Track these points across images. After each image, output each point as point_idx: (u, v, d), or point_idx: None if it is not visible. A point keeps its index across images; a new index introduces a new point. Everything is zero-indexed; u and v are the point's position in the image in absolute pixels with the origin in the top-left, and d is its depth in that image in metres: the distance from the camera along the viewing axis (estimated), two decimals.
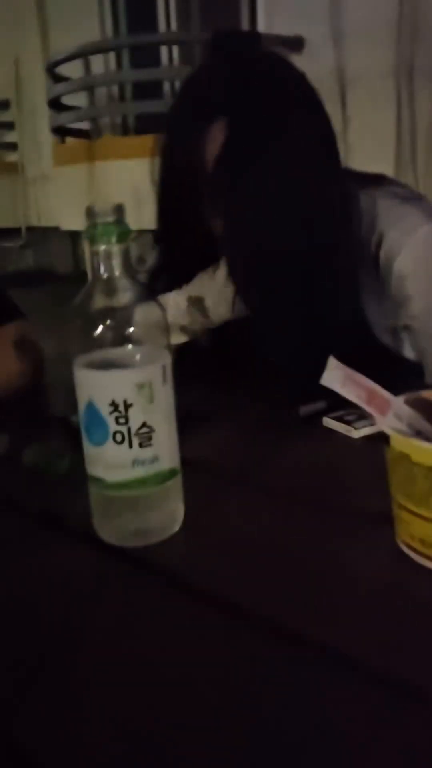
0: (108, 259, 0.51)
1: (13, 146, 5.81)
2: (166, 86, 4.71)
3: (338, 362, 0.49)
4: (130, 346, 0.52)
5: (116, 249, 0.51)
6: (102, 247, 0.51)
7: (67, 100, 4.50)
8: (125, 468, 0.53)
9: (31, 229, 5.66)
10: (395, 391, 0.51)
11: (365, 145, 4.12)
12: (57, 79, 4.50)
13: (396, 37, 3.98)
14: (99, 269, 0.52)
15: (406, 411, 0.50)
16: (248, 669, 0.41)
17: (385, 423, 0.48)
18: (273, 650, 0.42)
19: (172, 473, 0.55)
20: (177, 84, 4.71)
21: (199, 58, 3.70)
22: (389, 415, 0.48)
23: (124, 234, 0.51)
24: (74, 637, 0.45)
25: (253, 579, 0.50)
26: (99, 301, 0.52)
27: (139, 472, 0.53)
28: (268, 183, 0.84)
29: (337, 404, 0.79)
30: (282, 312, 0.89)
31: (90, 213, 0.51)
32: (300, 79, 0.93)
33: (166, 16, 4.77)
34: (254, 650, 0.42)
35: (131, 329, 0.52)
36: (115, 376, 0.51)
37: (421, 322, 0.97)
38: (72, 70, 4.41)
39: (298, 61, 3.40)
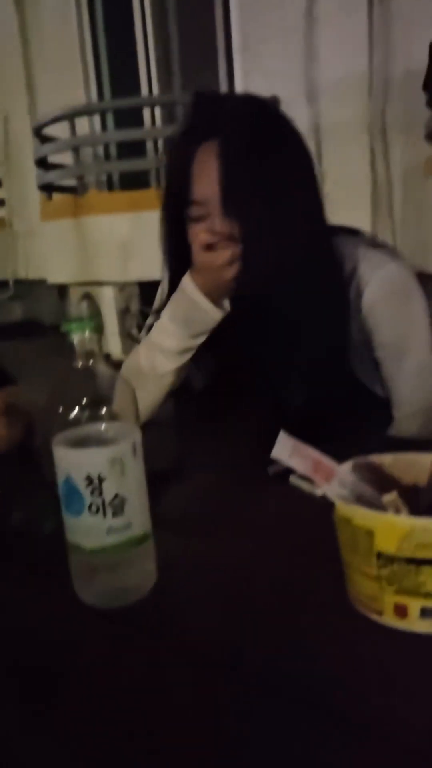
0: (83, 349, 0.58)
1: (1, 202, 5.98)
2: (149, 145, 4.89)
3: (287, 435, 0.55)
4: (103, 425, 0.58)
5: (91, 340, 0.58)
6: (78, 339, 0.58)
7: (53, 158, 4.66)
8: (101, 535, 0.58)
9: (18, 282, 5.77)
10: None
11: (343, 197, 4.25)
12: (44, 139, 4.66)
13: (368, 94, 4.17)
14: (76, 357, 0.58)
15: (350, 478, 0.56)
16: (216, 713, 0.46)
17: (329, 490, 0.54)
18: (237, 696, 0.47)
19: (144, 537, 0.60)
20: (159, 142, 4.90)
21: (180, 118, 3.86)
22: (334, 482, 0.54)
23: (97, 327, 0.58)
24: (53, 688, 0.50)
25: (218, 631, 0.55)
26: (76, 386, 0.58)
27: (113, 539, 0.58)
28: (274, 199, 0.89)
29: None
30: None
31: (68, 312, 0.57)
32: (286, 120, 0.99)
33: (148, 79, 4.99)
34: (223, 697, 0.47)
35: (104, 410, 0.58)
36: (90, 454, 0.57)
37: (387, 351, 1.04)
38: (58, 130, 4.58)
39: None
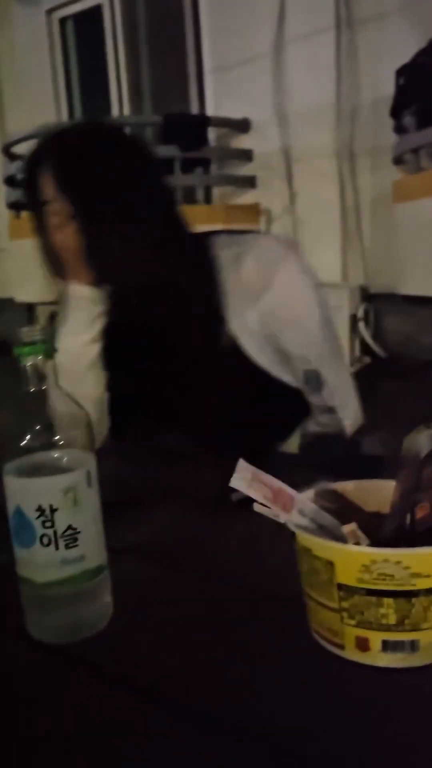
0: (36, 374, 0.56)
1: None
2: None
3: (246, 464, 0.54)
4: (56, 453, 0.56)
5: (43, 364, 0.56)
6: (30, 363, 0.56)
7: (21, 176, 4.63)
8: (53, 568, 0.56)
9: None
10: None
11: (313, 219, 4.34)
12: (12, 157, 4.64)
13: (336, 119, 4.24)
14: (28, 383, 0.56)
15: (310, 507, 0.54)
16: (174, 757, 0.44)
17: (289, 520, 0.52)
18: (195, 739, 0.45)
19: (99, 570, 0.58)
20: None
21: (151, 139, 3.88)
22: (294, 511, 0.53)
23: (49, 351, 0.56)
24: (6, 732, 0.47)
25: (175, 669, 0.53)
26: (28, 411, 0.56)
27: (66, 572, 0.56)
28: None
29: None
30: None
31: (20, 334, 0.55)
32: (126, 140, 1.10)
33: (119, 100, 5.01)
34: (180, 739, 0.45)
35: (57, 437, 0.56)
36: (41, 483, 0.55)
37: (273, 326, 1.05)
38: (27, 149, 4.56)
39: (246, 140, 3.63)
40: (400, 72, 3.61)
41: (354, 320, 4.04)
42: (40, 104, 5.18)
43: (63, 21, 5.26)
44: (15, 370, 0.57)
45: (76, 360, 1.03)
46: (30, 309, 5.21)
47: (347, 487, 0.61)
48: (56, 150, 1.02)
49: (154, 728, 0.47)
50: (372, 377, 3.98)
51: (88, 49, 5.16)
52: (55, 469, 0.56)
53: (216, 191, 4.74)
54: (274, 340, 1.07)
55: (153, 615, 0.61)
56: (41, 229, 1.07)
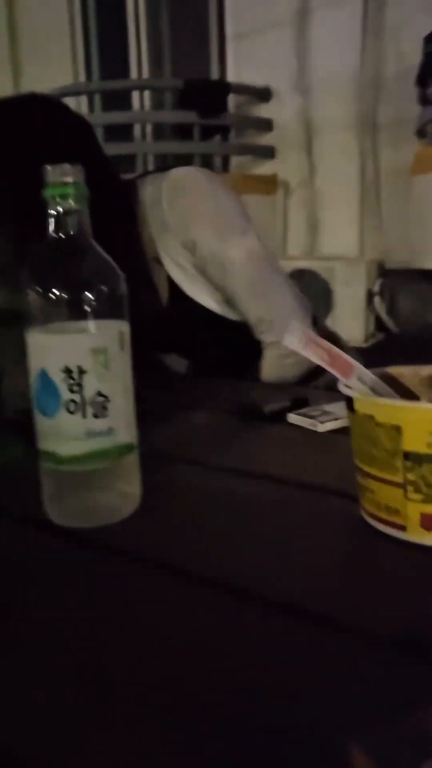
0: (68, 219, 0.50)
1: None
2: (137, 129, 4.81)
3: (299, 324, 0.48)
4: (86, 308, 0.50)
5: (76, 208, 0.50)
6: (59, 208, 0.49)
7: None
8: (78, 440, 0.50)
9: None
10: None
11: (332, 191, 4.26)
12: None
13: (358, 91, 4.14)
14: (58, 229, 0.50)
15: (369, 375, 0.48)
16: (216, 631, 0.38)
17: (348, 384, 0.46)
18: (237, 613, 0.40)
19: (128, 448, 0.52)
20: (148, 127, 4.82)
21: (169, 104, 3.81)
22: (353, 377, 0.47)
23: (81, 195, 0.50)
24: (22, 617, 0.42)
25: (209, 552, 0.47)
26: (56, 264, 0.50)
27: (93, 445, 0.50)
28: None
29: (301, 403, 0.78)
30: None
31: (47, 174, 0.49)
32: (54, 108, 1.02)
33: (138, 62, 4.91)
34: (221, 615, 0.40)
35: (87, 294, 0.50)
36: (69, 340, 0.49)
37: (212, 256, 1.02)
38: None
39: (267, 109, 3.53)
40: (429, 39, 3.51)
41: (370, 295, 3.96)
42: (58, 64, 5.08)
43: None
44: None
45: None
46: None
47: (404, 372, 0.55)
48: None
49: (182, 600, 0.41)
50: (385, 353, 3.92)
51: (107, 8, 5.05)
52: (85, 327, 0.50)
53: (234, 160, 4.65)
54: (205, 274, 1.05)
55: (183, 504, 0.56)
56: None
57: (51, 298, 0.49)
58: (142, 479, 0.55)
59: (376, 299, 3.99)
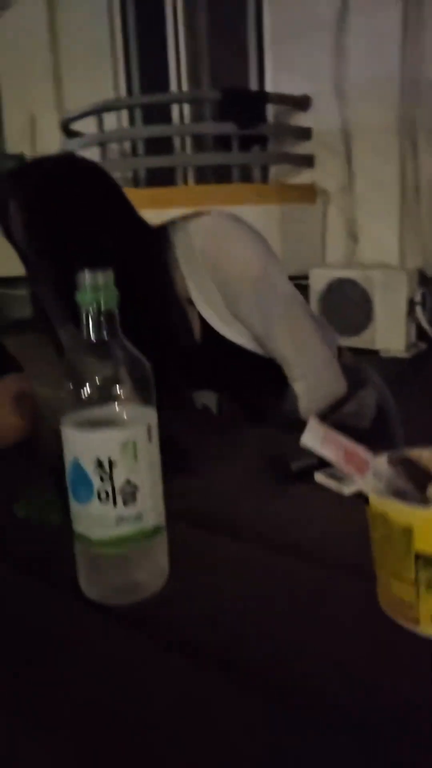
0: (99, 324, 0.53)
1: None
2: (177, 141, 4.86)
3: (318, 421, 0.50)
4: (116, 405, 0.53)
5: (106, 314, 0.53)
6: (92, 312, 0.53)
7: (80, 153, 4.65)
8: (109, 526, 0.53)
9: None
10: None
11: (371, 197, 4.23)
12: (71, 134, 4.65)
13: (398, 95, 4.10)
14: (89, 331, 0.53)
15: (385, 470, 0.50)
16: (230, 719, 0.41)
17: (363, 482, 0.48)
18: (250, 707, 0.42)
19: (156, 531, 0.56)
20: (187, 139, 4.87)
21: (209, 115, 3.84)
22: (368, 474, 0.49)
23: (112, 297, 0.53)
24: (56, 689, 0.45)
25: (231, 636, 0.50)
26: (89, 365, 0.54)
27: (123, 530, 0.53)
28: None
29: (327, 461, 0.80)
30: None
31: (81, 280, 0.53)
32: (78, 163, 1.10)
33: (177, 75, 4.95)
34: (234, 706, 0.42)
35: (118, 388, 0.53)
36: (100, 435, 0.52)
37: (245, 298, 1.06)
38: (85, 125, 4.56)
39: (305, 118, 3.53)
40: None
41: (411, 304, 3.92)
42: (99, 80, 5.17)
43: None
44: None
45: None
46: None
47: (423, 454, 0.56)
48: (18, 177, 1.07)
49: (205, 691, 0.44)
50: (427, 363, 3.88)
51: (147, 23, 5.12)
52: (116, 421, 0.53)
53: (273, 170, 4.66)
54: (238, 315, 1.08)
55: (209, 581, 0.58)
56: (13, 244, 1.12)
57: (84, 396, 0.53)
58: (172, 549, 0.58)
59: (418, 308, 3.94)
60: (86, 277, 0.52)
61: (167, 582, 0.57)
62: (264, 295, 1.06)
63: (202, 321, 1.11)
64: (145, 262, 1.09)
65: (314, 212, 4.44)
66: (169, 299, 1.09)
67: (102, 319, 0.53)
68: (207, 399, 1.23)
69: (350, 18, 4.13)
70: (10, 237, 1.09)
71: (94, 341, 0.54)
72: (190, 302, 1.10)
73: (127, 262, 1.04)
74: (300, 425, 1.03)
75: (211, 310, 1.10)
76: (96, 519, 0.53)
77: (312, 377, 1.07)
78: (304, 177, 4.47)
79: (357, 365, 1.23)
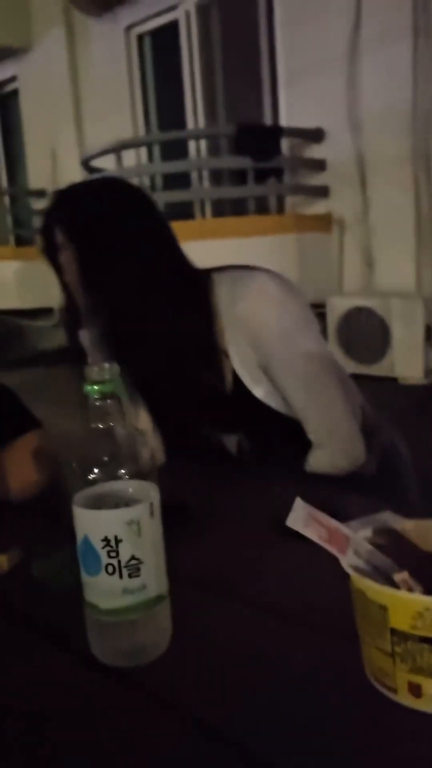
0: (104, 410, 0.59)
1: None
2: (194, 176, 4.97)
3: (303, 503, 0.55)
4: (121, 485, 0.59)
5: (111, 403, 0.59)
6: (98, 401, 0.59)
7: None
8: (116, 596, 0.59)
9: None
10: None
11: (386, 228, 4.28)
12: (91, 170, 4.79)
13: (411, 125, 4.16)
14: (96, 418, 0.59)
15: (365, 547, 0.55)
16: None
17: (344, 561, 0.53)
18: None
19: (159, 599, 0.61)
20: (204, 173, 4.98)
21: (225, 149, 3.94)
22: (349, 552, 0.54)
23: (118, 388, 0.59)
24: (64, 751, 0.50)
25: (230, 700, 0.54)
26: (95, 448, 0.59)
27: (128, 600, 0.59)
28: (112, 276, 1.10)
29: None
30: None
31: (88, 372, 0.59)
32: (129, 191, 1.18)
33: (194, 112, 5.08)
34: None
35: (122, 470, 0.59)
36: (107, 515, 0.58)
37: (270, 362, 1.11)
38: (105, 161, 4.70)
39: (320, 150, 3.62)
40: None
41: (428, 331, 3.95)
42: (118, 118, 5.32)
43: (140, 37, 5.39)
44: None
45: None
46: None
47: (406, 525, 0.61)
48: (65, 205, 1.15)
49: (200, 758, 0.49)
50: None
51: (164, 63, 5.27)
52: (121, 500, 0.58)
53: (288, 200, 4.74)
54: (267, 372, 1.13)
55: (208, 645, 0.63)
56: (57, 270, 1.18)
57: (90, 476, 0.58)
58: (176, 612, 0.63)
59: None
60: (93, 372, 0.58)
61: (171, 644, 0.62)
62: (293, 359, 1.11)
63: (234, 373, 1.15)
64: (191, 305, 1.13)
65: (330, 241, 4.50)
66: (206, 344, 1.14)
67: (107, 406, 0.59)
68: (228, 441, 1.27)
69: (362, 52, 4.22)
70: (53, 262, 1.16)
71: (100, 426, 0.59)
72: (226, 354, 1.14)
73: (173, 302, 1.11)
74: (317, 481, 1.06)
75: (243, 367, 1.14)
76: (104, 590, 0.59)
77: (332, 443, 1.11)
78: (319, 207, 4.54)
79: (375, 421, 1.25)
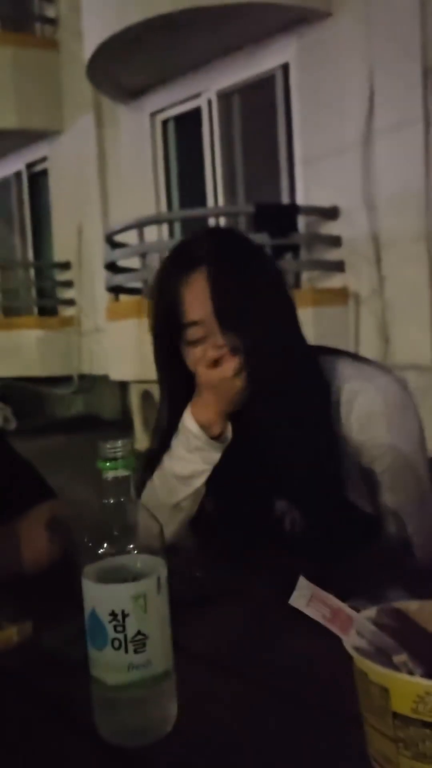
0: (116, 486, 0.61)
1: (71, 302, 6.32)
2: None
3: (306, 582, 0.56)
4: (129, 560, 0.60)
5: (123, 478, 0.61)
6: (111, 476, 0.61)
7: (122, 262, 4.95)
8: (122, 671, 0.59)
9: (82, 377, 6.00)
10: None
11: (402, 301, 4.35)
12: (114, 245, 4.97)
13: (424, 206, 4.30)
14: (108, 494, 0.61)
15: (368, 628, 0.56)
16: None
17: (346, 642, 0.54)
18: None
19: (165, 675, 0.61)
20: None
21: (243, 227, 4.10)
22: (351, 632, 0.54)
23: (130, 465, 0.61)
24: None
25: None
26: (106, 522, 0.61)
27: (134, 675, 0.59)
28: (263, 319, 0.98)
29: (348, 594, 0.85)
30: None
31: (101, 448, 0.61)
32: (259, 247, 1.11)
33: (214, 191, 5.30)
34: None
35: (131, 545, 0.61)
36: (114, 589, 0.59)
37: (385, 466, 1.03)
38: (127, 236, 4.88)
39: (335, 227, 3.74)
40: None
41: None
42: (141, 196, 5.55)
43: (165, 122, 5.69)
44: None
45: (167, 495, 1.05)
46: (123, 386, 5.43)
47: (411, 606, 0.61)
48: (225, 268, 0.98)
49: None
50: None
51: (186, 145, 5.53)
52: (129, 574, 0.60)
53: (305, 275, 4.86)
54: (367, 474, 1.05)
55: (212, 722, 0.63)
56: (167, 351, 1.04)
57: (100, 550, 0.60)
58: (182, 689, 0.63)
59: None
60: (107, 449, 0.61)
61: (176, 723, 0.62)
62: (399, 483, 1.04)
63: None
64: (313, 379, 1.04)
65: (346, 315, 4.58)
66: (330, 432, 1.03)
67: (119, 481, 0.61)
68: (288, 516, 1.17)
69: (375, 136, 4.41)
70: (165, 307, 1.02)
71: (111, 501, 0.61)
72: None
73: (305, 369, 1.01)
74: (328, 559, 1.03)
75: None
76: (110, 665, 0.59)
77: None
78: (335, 281, 4.65)
79: None
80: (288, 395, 0.99)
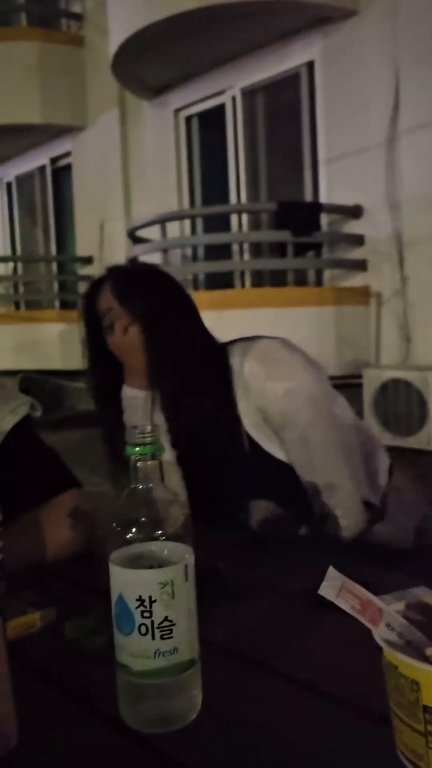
0: (144, 472, 0.61)
1: None
2: (235, 247, 5.12)
3: (336, 572, 0.55)
4: (158, 546, 0.60)
5: (152, 465, 0.61)
6: (139, 463, 0.61)
7: (143, 258, 4.96)
8: (148, 657, 0.59)
9: None
10: None
11: (425, 301, 4.32)
12: (136, 240, 4.98)
13: None
14: (136, 479, 0.61)
15: (398, 621, 0.55)
16: None
17: (376, 634, 0.53)
18: None
19: (190, 663, 0.61)
20: (245, 245, 5.13)
21: (266, 223, 4.12)
22: (381, 625, 0.54)
23: (158, 451, 0.61)
24: None
25: None
26: (134, 508, 0.61)
27: (160, 662, 0.59)
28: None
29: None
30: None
31: (130, 432, 0.61)
32: (172, 280, 1.34)
33: (237, 188, 5.29)
34: None
35: (159, 531, 0.60)
36: (142, 575, 0.59)
37: (275, 424, 1.20)
38: (149, 232, 4.89)
39: (358, 226, 3.72)
40: None
41: None
42: (164, 193, 5.56)
43: (188, 119, 5.68)
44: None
45: None
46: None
47: None
48: (119, 275, 1.30)
49: None
50: None
51: (210, 142, 5.52)
52: (156, 560, 0.60)
53: (327, 274, 4.84)
54: (275, 430, 1.22)
55: (236, 715, 0.62)
56: (94, 337, 1.31)
57: (128, 536, 0.60)
58: (206, 680, 0.63)
59: None
60: (135, 435, 0.61)
61: (200, 714, 0.61)
62: (301, 426, 1.18)
63: (249, 437, 1.20)
64: (209, 372, 1.25)
65: (368, 314, 4.55)
66: (226, 412, 1.23)
67: (147, 467, 0.61)
68: (259, 508, 1.28)
69: (400, 135, 4.37)
70: (91, 325, 1.29)
71: (140, 486, 0.61)
72: (239, 420, 1.22)
73: (207, 369, 1.24)
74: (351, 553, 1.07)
75: (256, 430, 1.21)
76: (136, 651, 0.59)
77: (346, 507, 1.16)
78: (357, 280, 4.62)
79: (403, 490, 1.26)
80: (181, 360, 1.24)
